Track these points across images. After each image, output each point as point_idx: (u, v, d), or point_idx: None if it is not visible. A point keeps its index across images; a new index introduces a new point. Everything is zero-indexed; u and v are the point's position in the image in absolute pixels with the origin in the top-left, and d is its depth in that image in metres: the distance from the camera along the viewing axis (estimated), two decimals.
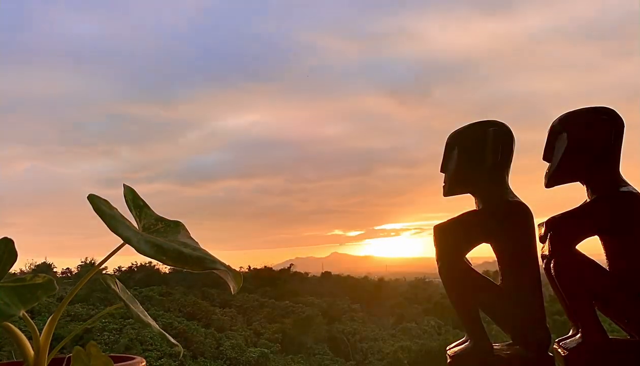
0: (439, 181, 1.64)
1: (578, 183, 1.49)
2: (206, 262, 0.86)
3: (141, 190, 0.97)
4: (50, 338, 0.84)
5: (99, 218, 0.81)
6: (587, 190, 1.46)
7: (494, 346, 1.50)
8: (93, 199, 0.83)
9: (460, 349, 1.50)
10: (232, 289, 0.91)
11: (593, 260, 1.38)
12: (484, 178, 1.56)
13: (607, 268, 1.41)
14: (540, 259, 1.48)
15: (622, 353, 1.35)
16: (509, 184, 1.56)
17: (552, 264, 1.39)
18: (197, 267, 0.85)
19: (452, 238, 1.52)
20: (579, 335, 1.39)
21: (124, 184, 0.95)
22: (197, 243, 0.96)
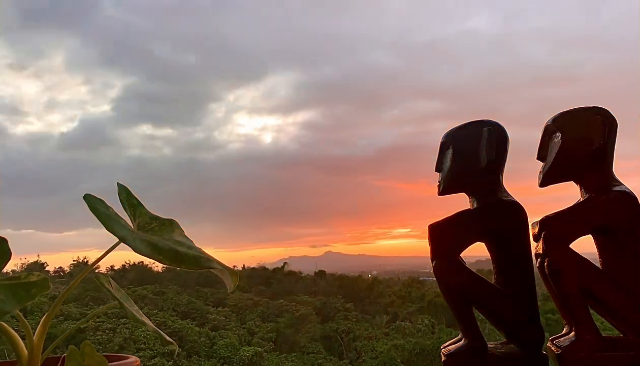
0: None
1: (572, 182, 1.50)
2: (202, 261, 0.86)
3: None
4: (44, 337, 0.84)
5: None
6: (581, 189, 1.47)
7: (488, 345, 1.51)
8: (89, 198, 0.83)
9: (454, 347, 1.51)
10: (228, 288, 0.91)
11: (587, 259, 1.39)
12: (478, 178, 1.56)
13: (600, 267, 1.42)
14: (534, 258, 1.48)
15: (615, 352, 1.35)
16: (503, 183, 1.57)
17: (546, 263, 1.40)
18: (193, 266, 0.85)
19: (446, 236, 1.52)
20: (572, 333, 1.40)
21: (117, 183, 0.95)
22: (192, 241, 0.95)
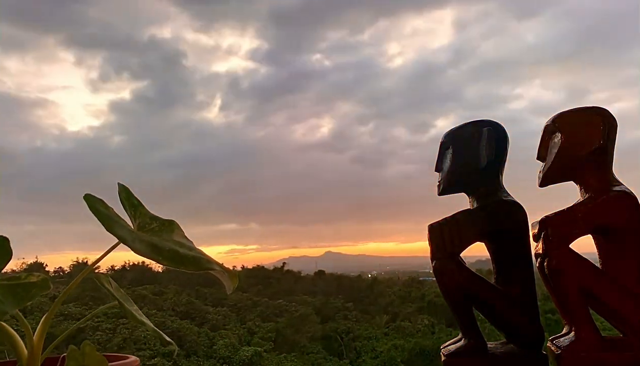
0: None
1: (572, 182, 1.50)
2: (202, 262, 0.85)
3: None
4: (44, 337, 0.84)
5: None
6: (581, 189, 1.47)
7: (488, 345, 1.51)
8: (89, 198, 0.82)
9: (454, 347, 1.51)
10: (227, 289, 0.91)
11: (586, 259, 1.39)
12: (478, 177, 1.56)
13: (600, 267, 1.42)
14: (534, 258, 1.48)
15: (615, 352, 1.35)
16: (503, 183, 1.57)
17: (545, 263, 1.40)
18: (193, 267, 0.85)
19: (446, 236, 1.52)
20: (572, 333, 1.40)
21: (118, 183, 0.94)
22: (191, 242, 0.95)
